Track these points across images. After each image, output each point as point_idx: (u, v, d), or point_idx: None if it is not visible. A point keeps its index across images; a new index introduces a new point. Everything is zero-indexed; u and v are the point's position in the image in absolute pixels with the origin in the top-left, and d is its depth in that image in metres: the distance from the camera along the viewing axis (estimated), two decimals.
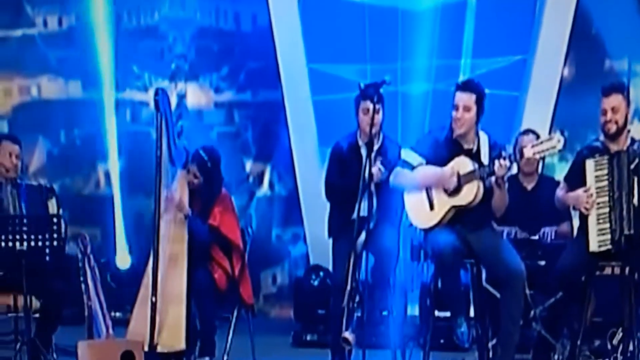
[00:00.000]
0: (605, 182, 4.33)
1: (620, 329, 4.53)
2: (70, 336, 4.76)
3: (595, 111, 4.54)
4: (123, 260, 6.81)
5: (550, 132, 5.45)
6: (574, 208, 4.50)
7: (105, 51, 6.89)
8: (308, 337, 5.83)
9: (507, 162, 4.30)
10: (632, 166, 4.29)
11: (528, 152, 4.32)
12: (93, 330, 4.64)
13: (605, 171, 4.33)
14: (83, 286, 4.69)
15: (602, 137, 4.48)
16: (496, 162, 4.30)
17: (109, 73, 6.92)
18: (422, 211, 4.52)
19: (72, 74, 7.05)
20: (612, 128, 4.36)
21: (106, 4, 6.95)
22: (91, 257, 4.72)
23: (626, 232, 4.27)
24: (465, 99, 4.43)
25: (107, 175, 7.04)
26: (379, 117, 4.63)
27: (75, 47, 6.98)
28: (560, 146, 4.26)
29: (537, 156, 4.37)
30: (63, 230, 4.70)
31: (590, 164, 4.37)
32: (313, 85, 6.57)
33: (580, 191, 4.36)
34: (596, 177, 4.35)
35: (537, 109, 6.22)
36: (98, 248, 6.39)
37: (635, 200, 4.27)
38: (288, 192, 6.87)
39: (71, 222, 5.78)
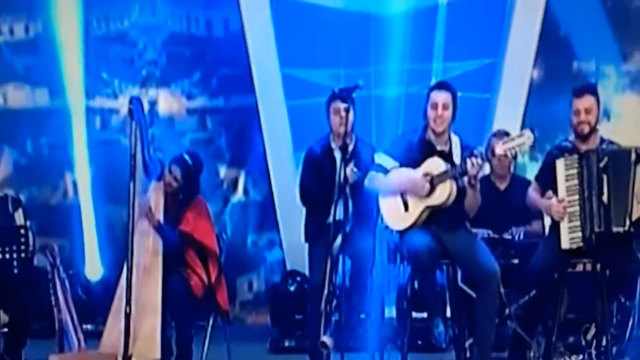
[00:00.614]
0: (576, 181, 4.55)
1: (593, 325, 4.77)
2: (41, 350, 4.83)
3: (565, 112, 4.79)
4: (93, 271, 6.86)
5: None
6: (546, 214, 4.72)
7: (74, 58, 6.95)
8: (286, 343, 5.95)
9: (479, 160, 4.50)
10: (601, 165, 4.51)
11: (499, 150, 4.52)
12: (64, 344, 4.70)
13: (575, 170, 4.55)
14: (53, 298, 4.74)
15: (571, 137, 4.73)
16: (468, 160, 4.50)
17: (78, 80, 6.98)
18: (397, 213, 4.70)
19: (39, 82, 7.10)
20: (585, 129, 4.59)
21: (74, 10, 6.99)
22: (60, 268, 4.77)
23: (597, 229, 4.49)
24: (443, 97, 4.66)
25: (76, 185, 7.09)
26: (351, 117, 4.79)
27: (42, 55, 7.04)
28: (530, 142, 4.47)
29: (508, 153, 4.57)
30: (31, 241, 4.78)
31: (560, 163, 4.59)
32: (287, 90, 6.73)
33: (553, 200, 4.57)
34: (566, 176, 4.57)
35: (508, 111, 6.47)
36: (67, 259, 6.43)
37: (604, 198, 4.49)
38: (263, 198, 7.01)
39: (39, 233, 5.82)
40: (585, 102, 4.60)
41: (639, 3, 6.80)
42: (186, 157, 5.02)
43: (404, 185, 4.65)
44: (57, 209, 7.09)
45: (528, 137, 4.47)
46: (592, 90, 4.69)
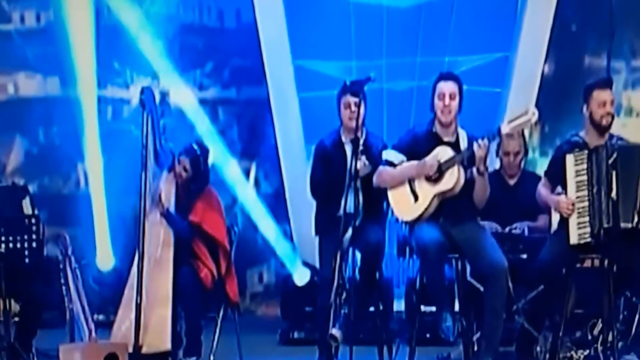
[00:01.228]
0: (585, 177, 4.68)
1: (600, 320, 4.90)
2: (52, 340, 4.94)
3: (575, 106, 4.92)
4: (105, 261, 6.95)
5: (531, 128, 5.82)
6: (555, 210, 4.85)
7: (85, 47, 7.01)
8: (295, 335, 6.07)
9: (486, 141, 4.60)
10: (610, 161, 4.64)
11: (505, 128, 4.63)
12: (75, 334, 4.81)
13: (585, 165, 4.68)
14: (64, 288, 4.84)
15: (582, 133, 4.86)
16: (475, 143, 4.61)
17: (89, 70, 7.04)
18: (406, 204, 4.83)
19: (50, 71, 7.16)
20: (609, 120, 4.71)
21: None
22: (72, 258, 4.87)
23: (605, 225, 4.62)
24: (450, 87, 4.80)
25: (87, 175, 7.15)
26: (362, 111, 4.90)
27: (53, 44, 7.08)
28: (534, 118, 4.59)
29: (514, 131, 4.68)
30: (41, 231, 4.85)
31: (570, 158, 4.72)
32: (299, 82, 6.82)
33: (562, 196, 4.70)
34: (576, 171, 4.70)
35: (519, 105, 6.40)
36: (79, 249, 6.48)
37: (613, 194, 4.61)
38: (274, 190, 7.10)
39: (51, 222, 5.99)
40: (609, 94, 4.73)
41: None
42: (195, 146, 5.12)
43: (412, 170, 4.77)
44: (69, 198, 7.17)
45: (533, 113, 4.58)
46: (611, 84, 4.84)
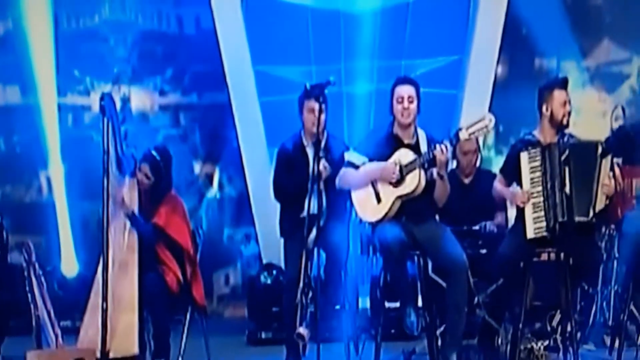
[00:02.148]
0: (539, 173, 4.79)
1: (558, 312, 5.02)
2: (18, 347, 4.92)
3: (528, 106, 5.03)
4: (70, 267, 6.93)
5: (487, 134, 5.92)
6: (511, 203, 4.95)
7: (45, 55, 6.99)
8: (263, 335, 6.11)
9: (447, 145, 4.70)
10: (563, 157, 4.75)
11: (463, 135, 4.74)
12: (42, 340, 4.76)
13: (539, 162, 4.79)
14: (29, 295, 4.79)
15: (535, 131, 4.96)
16: (437, 146, 4.71)
17: (49, 78, 7.02)
18: (369, 205, 4.90)
19: (10, 80, 7.14)
20: (568, 119, 4.79)
21: (44, 7, 7.03)
22: (36, 265, 4.82)
23: (560, 219, 4.72)
24: (408, 90, 4.88)
25: (50, 182, 7.13)
26: (323, 116, 4.96)
27: (12, 53, 7.07)
28: (491, 125, 4.70)
29: (472, 137, 4.79)
30: (5, 238, 4.89)
31: (524, 156, 4.82)
32: (259, 87, 6.88)
33: (517, 188, 4.80)
34: (530, 168, 4.81)
35: (474, 106, 6.70)
36: (43, 256, 6.44)
37: (567, 189, 4.72)
38: (238, 193, 7.14)
39: (14, 230, 5.94)
40: (566, 94, 4.84)
41: (598, 1, 7.07)
42: (154, 153, 5.08)
43: (374, 174, 4.83)
44: (32, 206, 7.15)
45: (490, 119, 4.69)
46: (567, 84, 4.93)
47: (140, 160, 5.04)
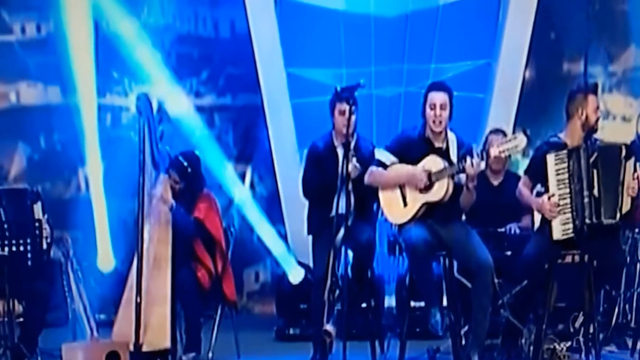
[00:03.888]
0: (566, 175, 4.76)
1: (581, 313, 4.99)
2: (55, 339, 4.99)
3: (555, 110, 5.00)
4: (106, 263, 6.97)
5: (514, 131, 5.91)
6: (538, 211, 4.92)
7: (85, 57, 7.03)
8: (290, 331, 6.12)
9: (477, 160, 4.68)
10: (591, 160, 4.73)
11: (494, 151, 4.74)
12: (77, 333, 4.88)
13: (565, 165, 4.76)
14: (66, 289, 4.91)
15: (561, 134, 4.94)
16: (468, 159, 4.69)
17: (89, 78, 7.06)
18: (396, 208, 4.90)
19: (51, 80, 7.18)
20: (599, 123, 4.81)
21: (85, 10, 7.07)
22: (74, 260, 4.92)
23: (587, 221, 4.70)
24: (441, 97, 4.86)
25: (88, 180, 7.17)
26: (353, 118, 4.98)
27: (54, 54, 7.10)
28: (523, 145, 4.70)
29: (502, 155, 4.78)
30: (47, 234, 4.91)
31: (550, 158, 4.80)
32: (291, 89, 6.89)
33: (544, 197, 4.78)
34: (556, 170, 4.78)
35: (501, 110, 6.70)
36: (81, 251, 6.52)
37: (595, 192, 4.70)
38: (269, 192, 7.15)
39: (53, 226, 6.02)
40: (597, 100, 4.85)
41: (624, 7, 7.01)
42: (180, 158, 5.14)
43: (402, 178, 4.83)
44: (70, 202, 7.18)
45: (521, 139, 4.69)
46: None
47: (168, 167, 5.08)
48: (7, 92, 7.26)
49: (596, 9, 6.95)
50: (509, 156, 5.35)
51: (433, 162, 4.85)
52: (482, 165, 4.81)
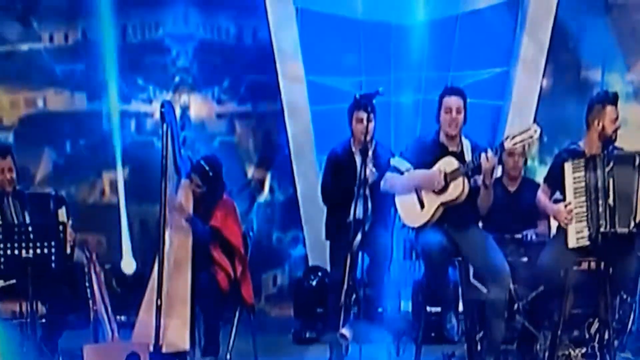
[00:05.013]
0: (582, 183, 4.72)
1: (596, 320, 4.92)
2: (77, 340, 4.99)
3: (574, 118, 4.95)
4: (128, 265, 7.00)
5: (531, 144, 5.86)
6: (554, 218, 4.88)
7: (111, 65, 7.08)
8: (307, 335, 6.12)
9: (492, 154, 4.62)
10: (608, 168, 4.68)
11: (508, 144, 4.67)
12: (99, 334, 4.87)
13: (582, 173, 4.72)
14: (88, 291, 4.91)
15: (580, 142, 4.89)
16: (482, 155, 4.63)
17: (114, 86, 7.12)
18: (413, 211, 4.87)
19: (78, 87, 7.24)
20: (617, 134, 4.76)
21: (111, 19, 7.13)
22: (96, 262, 4.94)
23: (602, 229, 4.65)
24: (456, 102, 4.83)
25: (112, 184, 7.22)
26: (372, 126, 4.98)
27: (80, 61, 7.19)
28: (536, 135, 4.63)
29: (517, 146, 4.72)
30: (70, 237, 4.93)
31: (568, 166, 4.75)
32: (311, 96, 6.91)
33: (560, 205, 4.74)
34: (574, 178, 4.74)
35: (519, 117, 6.64)
36: (103, 254, 6.60)
37: (610, 201, 4.65)
38: (287, 197, 7.16)
39: (77, 229, 6.05)
40: (616, 110, 4.79)
41: None
42: (203, 163, 5.11)
43: (419, 181, 4.80)
44: (94, 206, 7.24)
45: (535, 130, 4.62)
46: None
47: (191, 171, 5.08)
48: (34, 98, 7.33)
49: (614, 17, 6.90)
50: (525, 162, 5.32)
51: (448, 163, 4.82)
52: (498, 170, 4.76)
